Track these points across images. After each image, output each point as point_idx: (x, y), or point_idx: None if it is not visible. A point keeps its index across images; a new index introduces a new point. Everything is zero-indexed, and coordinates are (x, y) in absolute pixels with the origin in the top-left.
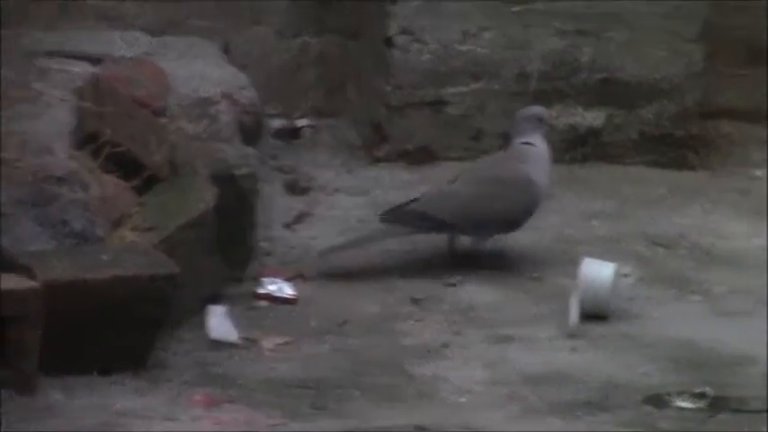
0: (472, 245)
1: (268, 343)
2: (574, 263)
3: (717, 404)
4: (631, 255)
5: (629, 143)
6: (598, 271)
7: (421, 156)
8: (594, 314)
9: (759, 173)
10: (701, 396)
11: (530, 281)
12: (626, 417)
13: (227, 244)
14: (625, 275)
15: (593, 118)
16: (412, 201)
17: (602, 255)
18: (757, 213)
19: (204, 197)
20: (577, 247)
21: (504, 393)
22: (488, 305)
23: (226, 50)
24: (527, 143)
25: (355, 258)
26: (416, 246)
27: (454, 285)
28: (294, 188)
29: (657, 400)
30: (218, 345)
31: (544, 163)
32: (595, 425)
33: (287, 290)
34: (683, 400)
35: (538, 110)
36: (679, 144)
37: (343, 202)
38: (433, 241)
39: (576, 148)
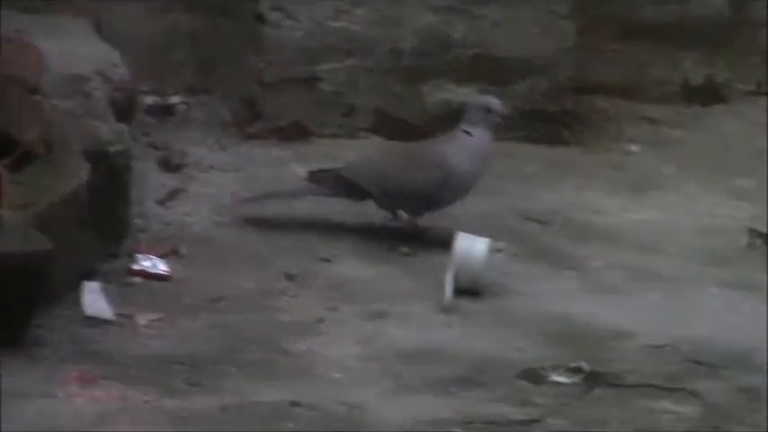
0: (403, 221)
1: (142, 319)
2: (448, 238)
3: (592, 379)
4: (505, 230)
5: (503, 119)
6: (472, 246)
7: (294, 132)
8: (468, 290)
9: (633, 148)
10: (577, 371)
11: (404, 256)
12: (501, 392)
13: (101, 220)
14: (499, 251)
15: (465, 94)
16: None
17: (476, 230)
18: (631, 189)
19: (77, 174)
20: (452, 223)
21: (378, 369)
22: (363, 280)
23: (98, 28)
24: (465, 131)
25: (229, 235)
26: (291, 221)
27: (329, 261)
28: (167, 165)
29: (533, 375)
30: (94, 321)
31: (472, 152)
32: (470, 400)
33: (161, 266)
34: (559, 375)
35: (487, 100)
36: (552, 120)
37: (217, 178)
38: (308, 216)
39: (448, 123)
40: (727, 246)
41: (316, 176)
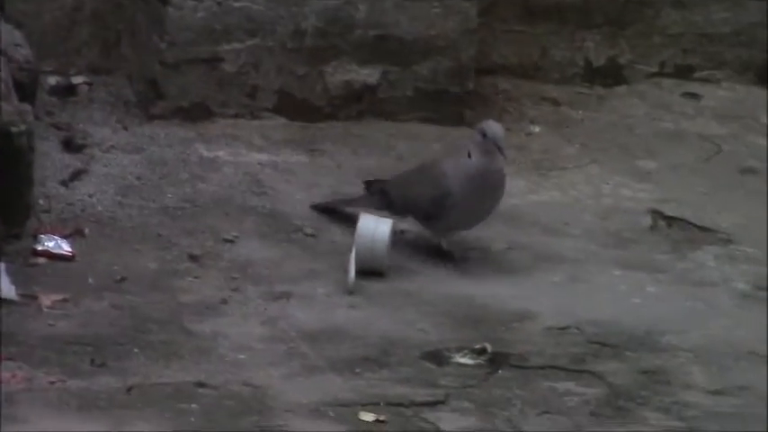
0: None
1: (46, 300)
2: (351, 219)
3: (496, 360)
4: None
5: (405, 100)
6: (375, 227)
7: (197, 113)
8: (372, 270)
9: (535, 129)
10: (481, 352)
11: (307, 237)
12: (406, 373)
13: (3, 201)
14: (402, 232)
15: (368, 75)
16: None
17: (379, 211)
18: (534, 169)
19: None
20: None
21: (283, 350)
22: (266, 261)
23: (0, 8)
24: (469, 154)
25: (132, 216)
26: (194, 202)
27: (232, 241)
28: (70, 145)
29: (437, 357)
30: None
31: (472, 175)
32: (375, 381)
33: (64, 246)
34: (463, 357)
35: (484, 125)
36: (455, 100)
37: (120, 159)
38: (212, 197)
39: (351, 104)
40: (630, 227)
41: (370, 186)
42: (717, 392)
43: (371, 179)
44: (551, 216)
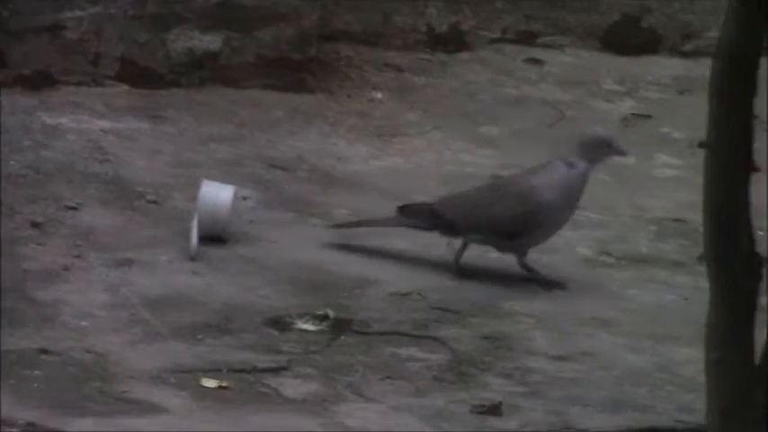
0: (517, 261)
1: None
2: (193, 186)
3: (339, 326)
4: (251, 178)
5: (247, 67)
6: (217, 194)
7: (40, 80)
8: (214, 237)
9: (378, 95)
10: (323, 318)
11: (150, 204)
12: (248, 340)
13: None
14: (244, 198)
15: (210, 42)
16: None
17: (222, 178)
18: (376, 136)
19: None
20: (196, 171)
21: (125, 317)
22: (109, 228)
23: None
24: (568, 162)
25: None
26: (37, 169)
27: (75, 209)
28: None
29: (279, 323)
30: None
31: (568, 185)
32: (217, 347)
33: None
34: (305, 323)
35: (610, 135)
36: (297, 67)
37: None
38: (55, 164)
39: (193, 71)
40: None
41: (407, 210)
42: (559, 358)
43: (407, 203)
44: (394, 182)
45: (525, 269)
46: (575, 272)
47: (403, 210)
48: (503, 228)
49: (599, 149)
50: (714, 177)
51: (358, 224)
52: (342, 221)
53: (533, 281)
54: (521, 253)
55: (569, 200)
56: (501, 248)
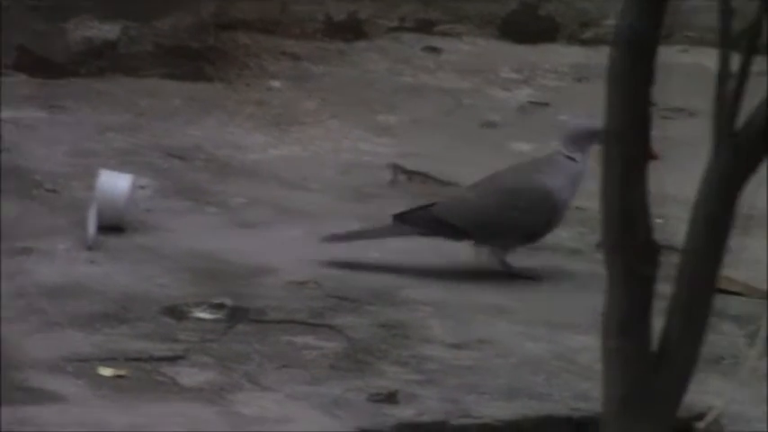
0: (494, 258)
1: None
2: (91, 175)
3: (235, 315)
4: (148, 167)
5: (146, 56)
6: (115, 183)
7: None
8: (112, 226)
9: (275, 84)
10: (220, 307)
11: (48, 193)
12: (145, 328)
13: None
14: (142, 187)
15: (108, 31)
16: (429, 205)
17: (119, 167)
18: (274, 125)
19: None
20: (94, 160)
21: (22, 306)
22: (7, 217)
23: None
24: (568, 156)
25: None
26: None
27: None
28: None
29: (176, 312)
30: None
31: (573, 179)
32: (114, 336)
33: None
34: (202, 311)
35: (595, 123)
36: (195, 56)
37: None
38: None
39: (92, 61)
40: (370, 182)
41: (404, 218)
42: (455, 346)
43: (403, 211)
44: (291, 171)
45: (503, 265)
46: (472, 259)
47: (400, 218)
48: (523, 231)
49: (588, 140)
50: (612, 165)
51: (354, 236)
52: (337, 233)
53: (511, 275)
54: (505, 250)
55: (575, 194)
56: (499, 246)
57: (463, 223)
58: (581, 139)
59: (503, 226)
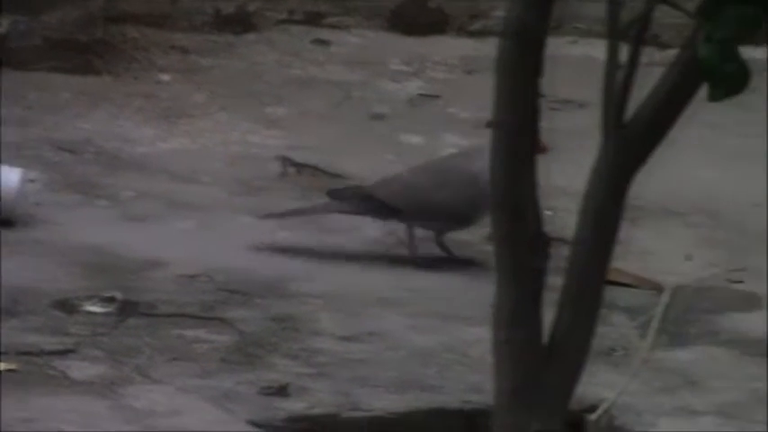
0: (436, 239)
1: None
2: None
3: (126, 308)
4: (38, 160)
5: (34, 49)
6: (4, 177)
7: None
8: (1, 220)
9: (164, 77)
10: (110, 300)
11: None
12: (36, 322)
13: None
14: (32, 181)
15: None
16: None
17: (9, 160)
18: (163, 118)
19: None
20: None
21: None
22: None
23: None
24: None
25: None
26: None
27: None
28: None
29: (66, 305)
30: None
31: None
32: (5, 331)
33: None
34: (93, 305)
35: None
36: (83, 49)
37: None
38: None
39: None
40: (260, 174)
41: (338, 194)
42: (346, 339)
43: (340, 187)
44: (181, 164)
45: (442, 248)
46: (364, 253)
47: (334, 195)
48: (451, 213)
49: None
50: (501, 157)
51: (289, 213)
52: (273, 212)
53: (448, 260)
54: (443, 233)
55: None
56: (431, 228)
57: (394, 202)
58: None
59: (431, 207)
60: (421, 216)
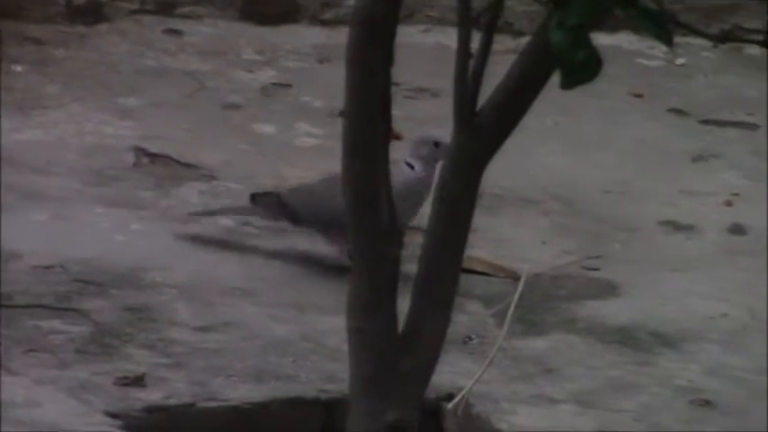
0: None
1: None
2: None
3: None
4: None
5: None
6: None
7: None
8: None
9: (17, 68)
10: None
11: None
12: None
13: None
14: None
15: None
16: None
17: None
18: (17, 109)
19: None
20: None
21: None
22: None
23: None
24: (407, 163)
25: None
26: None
27: None
28: None
29: None
30: None
31: (410, 187)
32: None
33: None
34: None
35: (437, 134)
36: None
37: None
38: None
39: None
40: (114, 165)
41: (259, 199)
42: (201, 329)
43: (261, 192)
44: (34, 155)
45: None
46: (222, 240)
47: (255, 199)
48: (342, 220)
49: (429, 150)
50: (353, 146)
51: (213, 212)
52: (196, 210)
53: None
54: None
55: (406, 201)
56: (331, 239)
57: (303, 210)
58: (422, 149)
59: (335, 217)
60: (328, 225)
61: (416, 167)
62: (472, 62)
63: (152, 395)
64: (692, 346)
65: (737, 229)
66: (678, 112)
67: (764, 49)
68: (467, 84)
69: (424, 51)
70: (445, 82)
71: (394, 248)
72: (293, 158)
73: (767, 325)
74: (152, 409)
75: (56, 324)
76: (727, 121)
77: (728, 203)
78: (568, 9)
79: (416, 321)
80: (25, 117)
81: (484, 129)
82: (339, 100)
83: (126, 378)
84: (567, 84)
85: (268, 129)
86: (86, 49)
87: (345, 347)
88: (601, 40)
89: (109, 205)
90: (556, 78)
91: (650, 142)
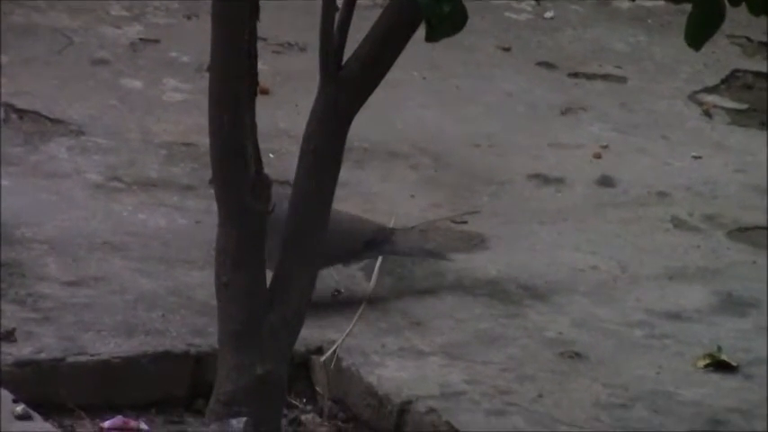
0: None
1: None
2: None
3: None
4: None
5: None
6: None
7: None
8: None
9: None
10: None
11: None
12: None
13: None
14: None
15: None
16: None
17: None
18: None
19: None
20: None
21: None
22: None
23: None
24: None
25: None
26: None
27: None
28: None
29: None
30: None
31: None
32: None
33: None
34: None
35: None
36: None
37: None
38: None
39: None
40: None
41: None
42: (71, 283)
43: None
44: None
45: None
46: (85, 197)
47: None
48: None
49: None
50: (219, 100)
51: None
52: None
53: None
54: None
55: None
56: None
57: None
58: None
59: None
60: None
61: None
62: (338, 15)
63: (22, 350)
64: (561, 298)
65: (606, 182)
66: (546, 65)
67: (632, 2)
68: (333, 37)
69: (292, 6)
70: (313, 36)
71: (260, 203)
72: (161, 113)
73: (635, 277)
74: (22, 364)
75: None
76: (596, 73)
77: (597, 156)
78: None
79: (284, 275)
80: None
81: (350, 81)
82: (207, 55)
83: None
84: (433, 36)
85: (136, 84)
86: None
87: (214, 302)
88: None
89: None
90: (423, 32)
91: (519, 95)
